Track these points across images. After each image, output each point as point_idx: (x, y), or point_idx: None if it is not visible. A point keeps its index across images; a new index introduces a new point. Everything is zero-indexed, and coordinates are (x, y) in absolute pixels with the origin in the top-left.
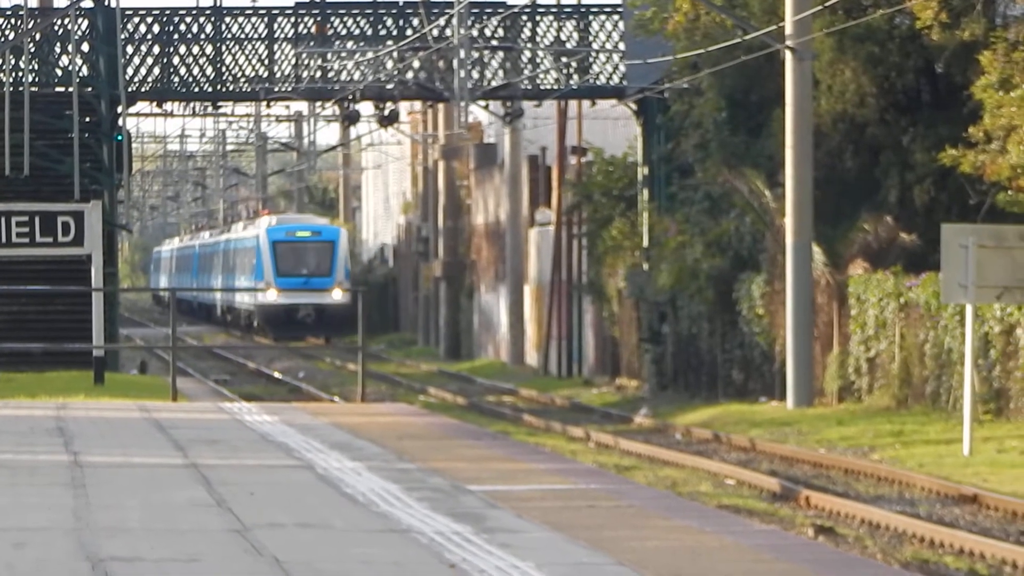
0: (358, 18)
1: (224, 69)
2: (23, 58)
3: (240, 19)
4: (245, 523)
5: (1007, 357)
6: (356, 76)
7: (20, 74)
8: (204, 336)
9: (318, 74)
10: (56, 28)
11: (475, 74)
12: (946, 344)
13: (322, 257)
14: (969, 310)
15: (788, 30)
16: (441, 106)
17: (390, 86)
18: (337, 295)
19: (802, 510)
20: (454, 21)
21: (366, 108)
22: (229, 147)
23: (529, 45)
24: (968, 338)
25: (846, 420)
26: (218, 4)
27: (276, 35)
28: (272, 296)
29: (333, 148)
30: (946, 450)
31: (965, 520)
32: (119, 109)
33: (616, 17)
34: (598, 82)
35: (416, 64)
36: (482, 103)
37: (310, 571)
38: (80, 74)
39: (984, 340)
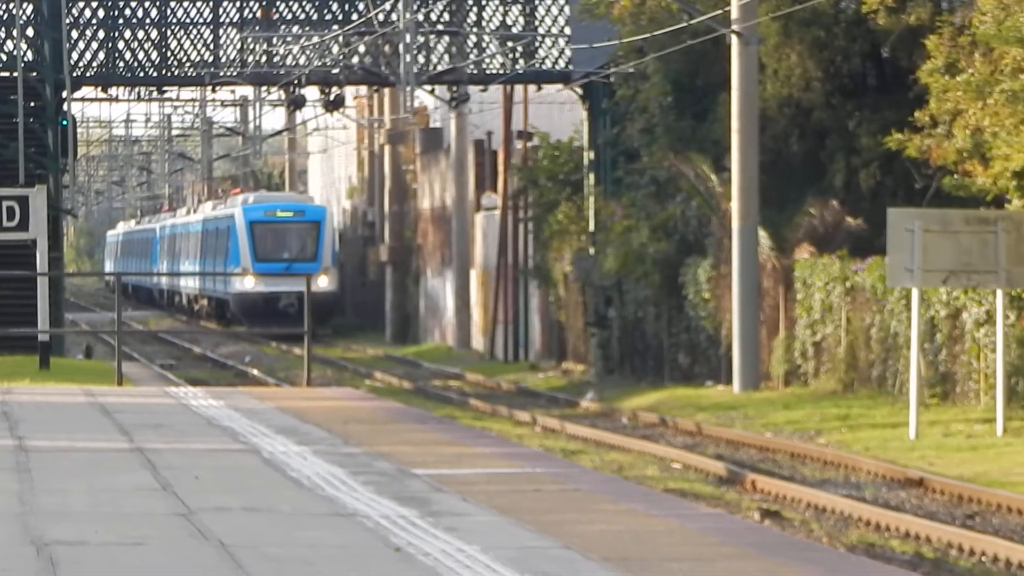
0: (303, 2)
1: (169, 54)
2: None
3: (185, 3)
4: (191, 507)
5: (953, 341)
6: (302, 61)
7: None
8: (150, 321)
9: (263, 59)
10: (0, 13)
11: (421, 59)
12: (892, 328)
13: (306, 240)
14: (915, 294)
15: (734, 14)
16: (387, 91)
17: (336, 71)
18: (323, 282)
19: (748, 494)
20: (399, 6)
21: (312, 93)
22: (174, 132)
23: (475, 30)
24: (914, 322)
25: (792, 404)
26: None
27: (221, 20)
28: (250, 284)
29: (279, 133)
30: (892, 434)
31: (911, 504)
32: (64, 94)
33: (562, 2)
34: (544, 67)
35: (362, 49)
36: (428, 88)
37: (256, 555)
38: (25, 59)
39: (930, 324)
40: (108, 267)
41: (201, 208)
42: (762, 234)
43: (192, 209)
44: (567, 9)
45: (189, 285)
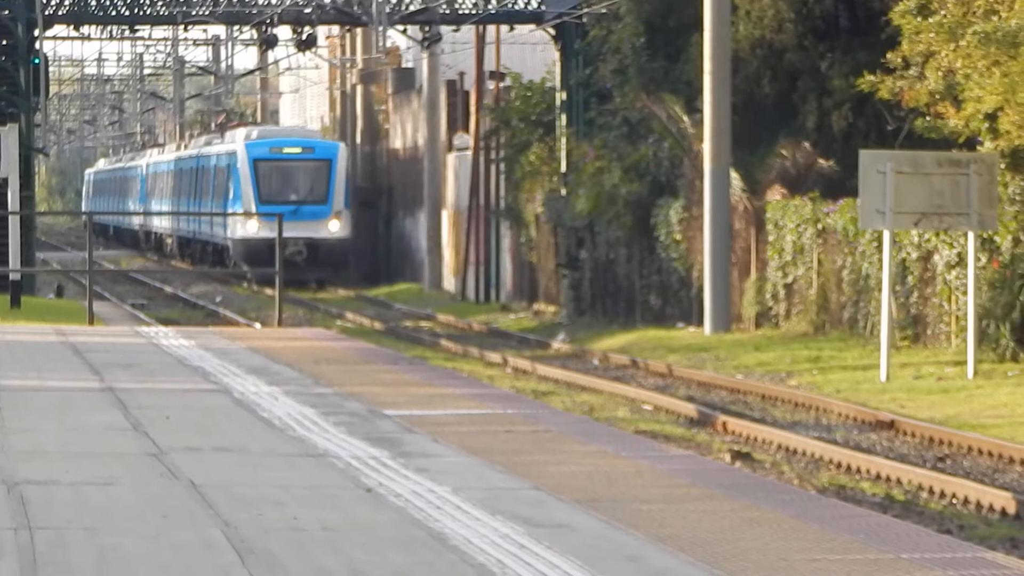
0: None
1: None
2: None
3: None
4: (161, 447)
5: (924, 283)
6: (274, 0)
7: None
8: (122, 260)
9: None
10: None
11: None
12: (864, 270)
13: (316, 179)
14: (887, 236)
15: None
16: (359, 30)
17: (308, 10)
18: (335, 227)
19: (719, 435)
20: None
21: (284, 32)
22: (146, 71)
23: None
24: (885, 264)
25: (763, 346)
26: None
27: None
28: (252, 228)
29: (251, 72)
30: (863, 376)
31: (882, 446)
32: (36, 32)
33: None
34: (516, 7)
35: None
36: (400, 28)
37: (226, 495)
38: None
39: (901, 266)
40: (86, 206)
41: (194, 143)
42: (734, 176)
43: (184, 145)
44: None
45: (181, 228)
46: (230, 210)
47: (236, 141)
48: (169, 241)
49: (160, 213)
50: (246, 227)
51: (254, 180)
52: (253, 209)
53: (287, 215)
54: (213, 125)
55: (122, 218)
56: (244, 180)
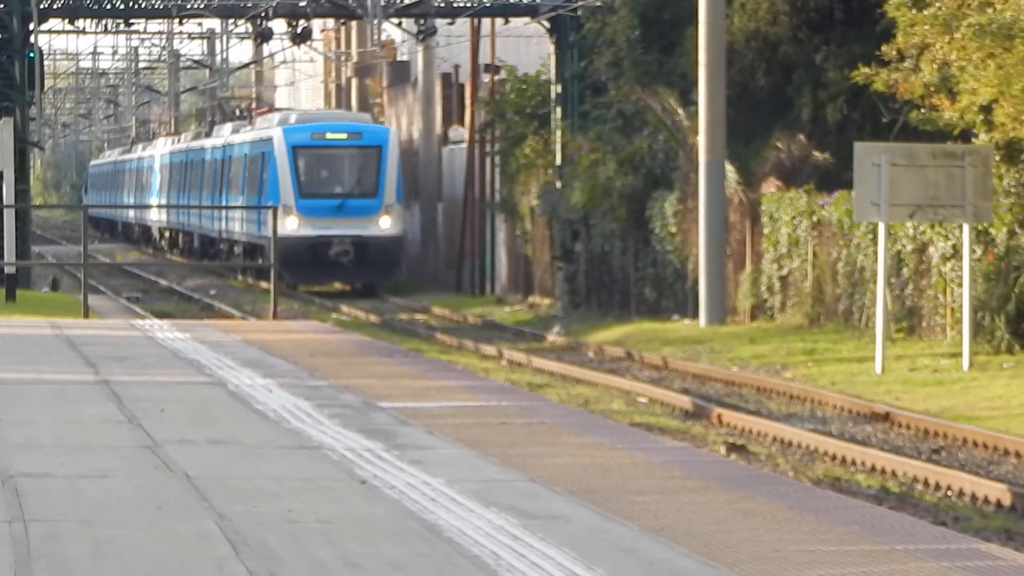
0: None
1: None
2: None
3: None
4: (156, 439)
5: (919, 275)
6: None
7: None
8: (116, 254)
9: None
10: None
11: None
12: (859, 262)
13: (364, 169)
14: (882, 228)
15: None
16: (354, 24)
17: (303, 3)
18: (385, 224)
19: (714, 428)
20: None
21: (279, 25)
22: (142, 64)
23: None
24: (881, 256)
25: (758, 338)
26: None
27: None
28: (292, 225)
29: (246, 66)
30: (858, 368)
31: (877, 438)
32: (31, 26)
33: None
34: (511, 0)
35: None
36: (395, 20)
37: (221, 487)
38: None
39: (897, 258)
40: (92, 200)
41: (217, 131)
42: (729, 168)
43: (205, 133)
44: None
45: (204, 225)
46: (266, 203)
47: (271, 126)
48: (183, 238)
49: (184, 206)
50: (284, 224)
51: (293, 170)
52: (292, 204)
53: (331, 210)
54: (238, 111)
55: (131, 213)
56: (282, 170)
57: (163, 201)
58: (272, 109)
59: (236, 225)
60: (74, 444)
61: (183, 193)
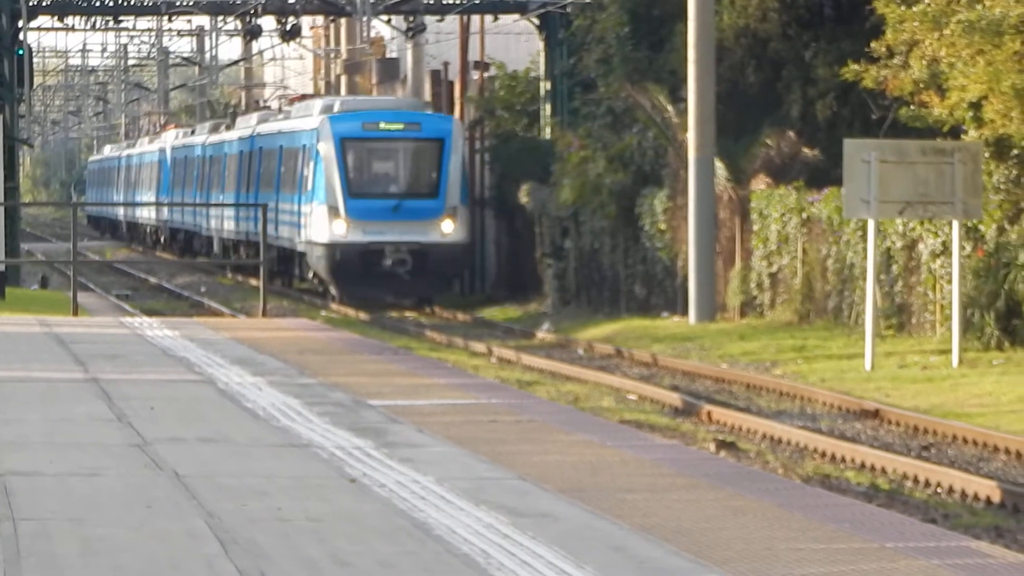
0: None
1: None
2: None
3: None
4: (145, 437)
5: (909, 272)
6: None
7: None
8: (107, 251)
9: None
10: None
11: None
12: (848, 259)
13: (424, 165)
14: (871, 225)
15: None
16: (343, 21)
17: (292, 0)
18: (448, 228)
19: (704, 425)
20: None
21: (268, 23)
22: (131, 62)
23: None
24: (870, 253)
25: (748, 335)
26: None
27: None
28: (339, 230)
29: (235, 63)
30: (848, 365)
31: (866, 435)
32: (20, 23)
33: None
34: None
35: None
36: (384, 18)
37: (210, 485)
38: None
39: (886, 255)
40: (92, 199)
41: (241, 122)
42: (718, 165)
43: (226, 126)
44: None
45: (227, 228)
46: (307, 205)
47: (313, 115)
48: (197, 241)
49: (202, 204)
50: (331, 228)
51: (341, 166)
52: (340, 205)
53: (386, 213)
54: (262, 101)
55: (138, 212)
56: (328, 166)
57: (176, 200)
58: (306, 96)
59: (269, 228)
60: (64, 442)
61: (201, 191)
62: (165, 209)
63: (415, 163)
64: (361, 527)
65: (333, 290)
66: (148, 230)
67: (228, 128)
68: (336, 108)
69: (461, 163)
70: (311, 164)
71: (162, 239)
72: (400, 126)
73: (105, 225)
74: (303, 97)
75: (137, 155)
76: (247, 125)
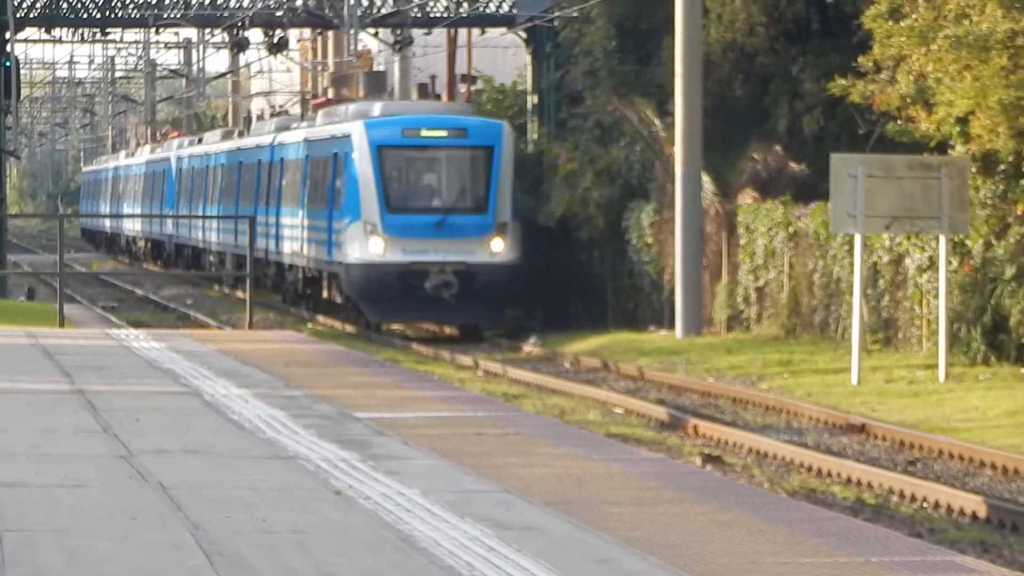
0: None
1: None
2: None
3: None
4: (131, 449)
5: (895, 287)
6: (245, 3)
7: None
8: (92, 263)
9: (207, 1)
10: None
11: (365, 1)
12: (835, 274)
13: (471, 176)
14: (858, 240)
15: None
16: (331, 33)
17: (279, 13)
18: (498, 247)
19: (690, 439)
20: None
21: (255, 35)
22: (118, 74)
23: None
24: (857, 268)
25: (735, 349)
26: None
27: None
28: (376, 248)
29: (222, 75)
30: (834, 379)
31: (853, 449)
32: (7, 35)
33: None
34: (488, 10)
35: None
36: (372, 31)
37: (196, 497)
38: None
39: (873, 270)
40: (85, 211)
41: (259, 128)
42: (705, 179)
43: (241, 132)
44: None
45: (241, 246)
46: (339, 221)
47: (344, 120)
48: (211, 257)
49: (209, 216)
50: (367, 246)
51: (378, 177)
52: (377, 220)
53: (428, 230)
54: (277, 108)
55: (134, 225)
56: (363, 177)
57: (183, 212)
58: (332, 100)
59: (293, 246)
60: (49, 453)
61: (211, 204)
62: (169, 223)
63: (461, 174)
64: (346, 539)
65: (368, 315)
66: (149, 245)
67: (242, 135)
68: (371, 113)
69: (512, 174)
70: (343, 175)
71: (165, 255)
72: (443, 133)
73: (101, 239)
74: (328, 101)
75: (137, 165)
76: (265, 132)
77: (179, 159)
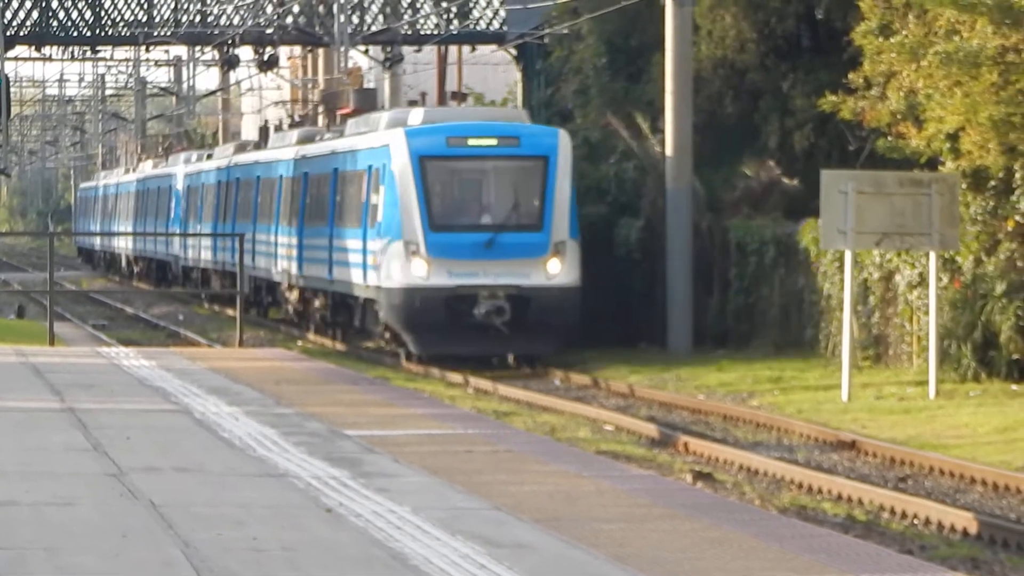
0: None
1: (103, 13)
2: None
3: None
4: (121, 467)
5: (886, 303)
6: (236, 21)
7: None
8: (83, 280)
9: (197, 18)
10: None
11: (355, 19)
12: (825, 290)
13: (525, 190)
14: (848, 256)
15: None
16: (321, 51)
17: (270, 31)
18: (555, 269)
19: (681, 456)
20: None
21: (246, 53)
22: (108, 91)
23: None
24: (847, 284)
25: (725, 366)
26: None
27: None
28: (419, 271)
29: (212, 93)
30: (825, 396)
31: (843, 466)
32: None
33: None
34: (478, 27)
35: (296, 9)
36: (362, 48)
37: (186, 515)
38: None
39: (863, 286)
40: (85, 228)
41: (277, 140)
42: (696, 195)
43: (258, 144)
44: None
45: (260, 266)
46: (375, 240)
47: (379, 129)
48: (226, 282)
49: (205, 234)
50: (408, 269)
51: (421, 191)
52: (420, 239)
53: (477, 249)
54: (295, 117)
55: (137, 244)
56: (403, 192)
57: (191, 230)
58: (360, 110)
59: (320, 269)
60: (39, 471)
61: (224, 222)
62: (176, 242)
63: (513, 187)
64: (337, 557)
65: (411, 346)
66: (153, 265)
67: (259, 148)
68: (411, 120)
69: (570, 188)
70: (381, 190)
71: (170, 276)
72: (493, 141)
73: (99, 259)
74: (356, 111)
75: (138, 181)
76: (285, 144)
77: (187, 175)
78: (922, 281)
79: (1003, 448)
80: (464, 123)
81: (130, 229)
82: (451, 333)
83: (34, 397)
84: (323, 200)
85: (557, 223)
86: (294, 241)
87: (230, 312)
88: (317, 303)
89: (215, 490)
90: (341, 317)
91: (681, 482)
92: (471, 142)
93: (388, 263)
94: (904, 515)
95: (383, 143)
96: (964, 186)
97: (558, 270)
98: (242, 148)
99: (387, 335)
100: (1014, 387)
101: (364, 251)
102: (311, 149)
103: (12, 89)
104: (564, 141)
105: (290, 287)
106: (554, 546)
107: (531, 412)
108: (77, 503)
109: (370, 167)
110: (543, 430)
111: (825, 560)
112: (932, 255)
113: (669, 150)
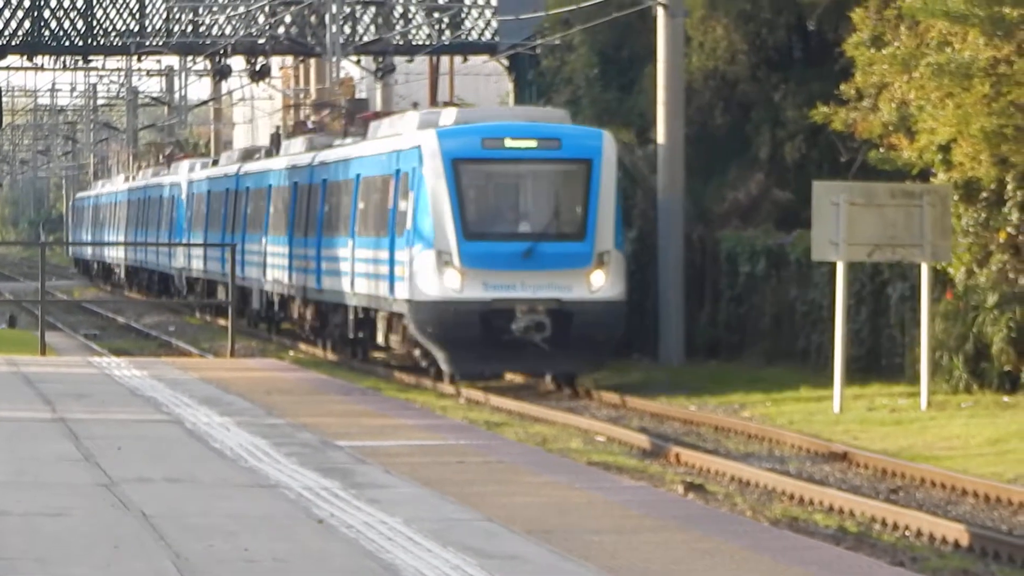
0: None
1: (95, 23)
2: None
3: None
4: (113, 477)
5: (878, 315)
6: (227, 30)
7: None
8: (75, 290)
9: (189, 28)
10: None
11: (347, 29)
12: (817, 301)
13: (565, 195)
14: (840, 267)
15: None
16: (313, 61)
17: (262, 41)
18: (598, 281)
19: (672, 467)
20: None
21: (237, 63)
22: (100, 101)
23: (401, 0)
24: (839, 296)
25: (717, 377)
26: None
27: None
28: (452, 283)
29: (204, 103)
30: (816, 407)
31: (835, 477)
32: None
33: None
34: (470, 38)
35: (288, 19)
36: (354, 58)
37: (177, 525)
38: None
39: (855, 298)
40: (81, 238)
41: (293, 146)
42: (687, 206)
43: (272, 151)
44: None
45: (275, 278)
46: (403, 250)
47: (406, 131)
48: (215, 293)
49: (206, 244)
50: (440, 281)
51: (455, 197)
52: (453, 249)
53: (515, 260)
54: (307, 119)
55: (136, 255)
56: (435, 198)
57: (197, 240)
58: (381, 114)
59: (340, 282)
60: (31, 482)
61: (232, 232)
62: (180, 254)
63: (553, 193)
64: (328, 568)
65: (443, 364)
66: (155, 277)
67: (270, 155)
68: (443, 121)
69: (615, 194)
70: (410, 196)
71: (173, 289)
72: (533, 143)
73: (96, 269)
74: (376, 115)
75: (138, 190)
76: (298, 150)
77: (191, 183)
78: (914, 293)
79: (995, 460)
80: (501, 123)
81: (130, 239)
82: (486, 350)
83: (25, 407)
84: (344, 208)
85: (601, 232)
86: (311, 252)
87: (221, 322)
88: (336, 319)
89: (207, 501)
90: (364, 333)
91: (673, 493)
92: (508, 143)
93: (417, 274)
94: (896, 527)
95: (413, 145)
96: (956, 198)
97: (602, 283)
98: (250, 155)
99: (416, 352)
100: (1006, 399)
101: (391, 262)
102: (328, 155)
103: (4, 99)
104: (608, 143)
105: (306, 301)
106: (546, 558)
107: (523, 423)
108: (68, 514)
109: (398, 171)
110: (535, 441)
111: (816, 572)
112: (924, 266)
113: (660, 161)
